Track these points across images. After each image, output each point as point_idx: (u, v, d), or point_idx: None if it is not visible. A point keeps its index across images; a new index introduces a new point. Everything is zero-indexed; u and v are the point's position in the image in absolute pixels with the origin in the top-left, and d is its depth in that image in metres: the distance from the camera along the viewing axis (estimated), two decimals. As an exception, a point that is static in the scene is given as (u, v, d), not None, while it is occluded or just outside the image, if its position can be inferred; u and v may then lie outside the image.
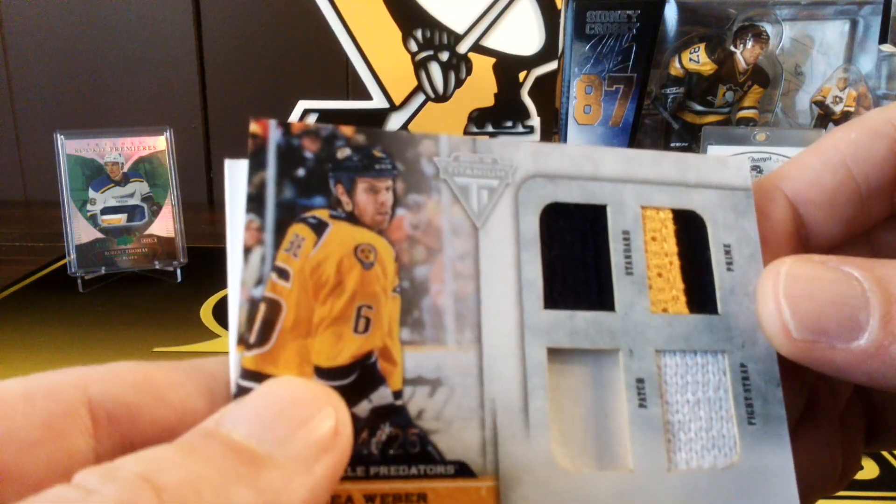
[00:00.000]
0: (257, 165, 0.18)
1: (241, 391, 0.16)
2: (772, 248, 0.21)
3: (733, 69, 0.88)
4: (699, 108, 0.91)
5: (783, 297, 0.18)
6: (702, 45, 0.88)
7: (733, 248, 0.20)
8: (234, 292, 0.17)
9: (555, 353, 0.19)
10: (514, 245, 0.19)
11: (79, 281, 0.72)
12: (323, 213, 0.18)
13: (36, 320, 0.65)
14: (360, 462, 0.17)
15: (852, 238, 0.22)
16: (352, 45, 0.81)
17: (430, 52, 0.82)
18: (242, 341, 0.17)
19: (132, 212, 0.74)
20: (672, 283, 0.20)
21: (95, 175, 0.73)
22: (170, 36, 1.04)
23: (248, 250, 0.17)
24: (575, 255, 0.20)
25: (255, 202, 0.18)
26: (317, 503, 0.15)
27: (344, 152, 0.19)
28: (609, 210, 0.20)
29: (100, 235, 0.73)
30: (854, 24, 0.90)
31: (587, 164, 0.20)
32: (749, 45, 0.87)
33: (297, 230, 0.18)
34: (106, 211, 0.73)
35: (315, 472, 0.14)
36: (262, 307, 0.17)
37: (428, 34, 0.81)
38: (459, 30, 0.82)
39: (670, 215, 0.21)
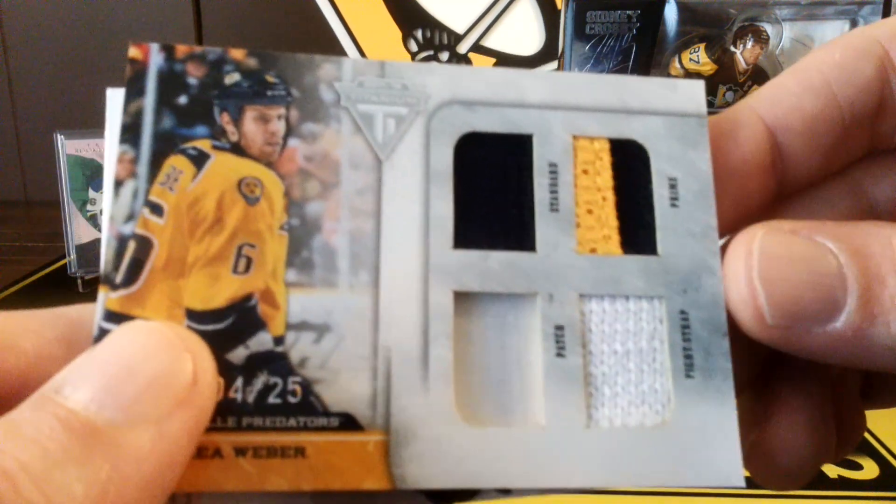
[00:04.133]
0: (134, 92, 0.17)
1: (103, 333, 0.15)
2: (740, 181, 0.19)
3: (733, 69, 0.88)
4: (699, 108, 0.91)
5: (758, 280, 0.16)
6: (702, 45, 0.88)
7: (679, 182, 0.18)
8: (104, 229, 0.16)
9: (463, 298, 0.17)
10: (423, 179, 0.17)
11: (79, 281, 0.72)
12: (204, 144, 0.17)
13: (36, 320, 0.65)
14: (232, 412, 0.15)
15: (829, 173, 0.20)
16: (352, 45, 0.81)
17: (430, 53, 0.82)
18: (108, 281, 0.16)
19: (132, 212, 0.74)
20: (604, 220, 0.18)
21: (95, 175, 0.73)
22: (170, 36, 1.04)
23: (118, 183, 0.16)
24: (493, 190, 0.18)
25: (130, 132, 0.16)
26: (173, 464, 0.13)
27: (232, 77, 0.17)
28: (535, 140, 0.18)
29: (100, 235, 0.73)
30: (854, 24, 0.90)
31: (511, 89, 0.18)
32: (749, 45, 0.87)
33: (175, 162, 0.16)
34: (106, 211, 0.73)
35: (168, 433, 0.13)
36: (132, 245, 0.16)
37: (428, 34, 0.81)
38: (459, 30, 0.82)
39: (607, 146, 0.18)
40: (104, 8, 1.03)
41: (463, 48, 0.82)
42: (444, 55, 0.82)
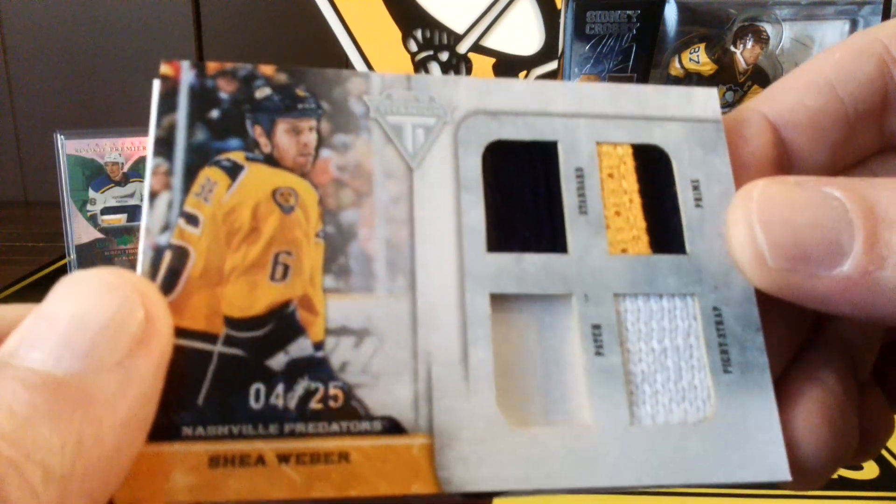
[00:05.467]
0: (167, 108, 0.17)
1: None
2: (750, 175, 0.19)
3: (733, 69, 0.88)
4: (699, 108, 0.91)
5: (756, 222, 0.16)
6: (702, 45, 0.88)
7: (702, 183, 0.19)
8: (141, 240, 0.16)
9: (500, 301, 0.17)
10: (454, 187, 0.18)
11: (79, 281, 0.72)
12: (238, 156, 0.17)
13: (36, 320, 0.65)
14: (274, 418, 0.15)
15: (841, 167, 0.20)
16: (352, 45, 0.81)
17: (430, 53, 0.82)
18: None
19: (132, 212, 0.74)
20: (632, 222, 0.18)
21: (95, 175, 0.73)
22: (170, 36, 1.04)
23: (153, 195, 0.16)
24: (522, 196, 0.18)
25: (164, 146, 0.17)
26: (144, 401, 0.14)
27: (263, 92, 0.18)
28: (560, 147, 0.18)
29: (100, 235, 0.73)
30: (854, 24, 0.90)
31: (535, 99, 0.19)
32: (749, 45, 0.87)
33: (209, 174, 0.17)
34: (106, 211, 0.73)
35: (132, 373, 0.13)
36: (168, 255, 0.16)
37: (428, 34, 0.81)
38: (459, 30, 0.82)
39: (630, 151, 0.19)
40: (104, 8, 1.03)
41: (463, 48, 0.82)
42: (444, 55, 0.82)
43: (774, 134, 0.19)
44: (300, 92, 0.18)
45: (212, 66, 0.17)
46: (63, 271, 0.73)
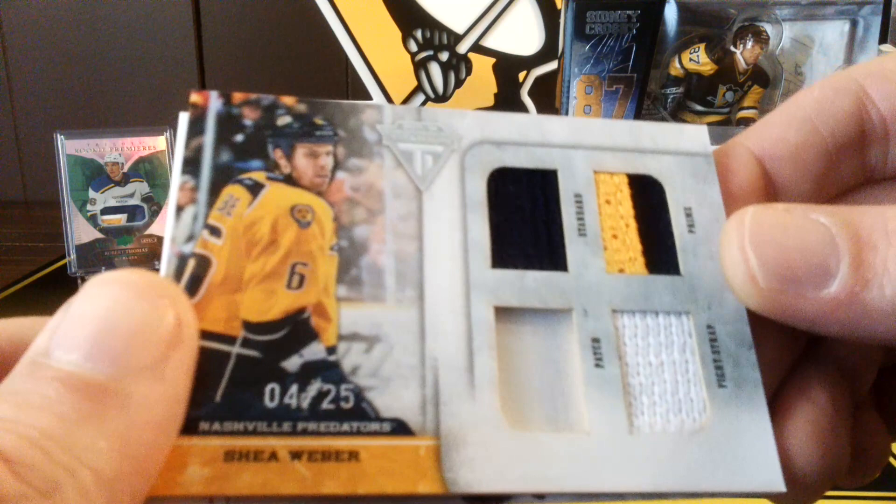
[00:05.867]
0: (195, 132, 0.18)
1: None
2: (739, 204, 0.19)
3: (733, 69, 0.88)
4: (699, 108, 0.91)
5: (748, 244, 0.17)
6: (702, 45, 0.88)
7: (694, 210, 0.20)
8: (165, 249, 0.17)
9: (503, 313, 0.18)
10: (460, 207, 0.19)
11: (79, 281, 0.72)
12: (259, 176, 0.18)
13: (36, 320, 0.65)
14: (287, 416, 0.16)
15: (825, 198, 0.21)
16: (351, 46, 0.81)
17: (430, 53, 0.82)
18: None
19: (132, 212, 0.74)
20: (629, 244, 0.19)
21: (95, 175, 0.73)
22: (170, 36, 1.04)
23: (180, 209, 0.17)
24: (524, 217, 0.19)
25: (191, 165, 0.18)
26: (178, 401, 0.14)
27: (284, 120, 0.19)
28: (560, 174, 0.20)
29: (100, 235, 0.73)
30: (854, 24, 0.90)
31: (535, 131, 0.20)
32: (749, 45, 0.87)
33: (232, 191, 0.18)
34: (106, 211, 0.73)
35: (168, 377, 0.14)
36: (191, 262, 0.17)
37: (428, 34, 0.81)
38: (459, 30, 0.82)
39: (625, 180, 0.20)
40: (104, 8, 1.03)
41: (462, 48, 0.82)
42: (444, 55, 0.82)
43: (760, 167, 0.20)
44: (318, 120, 0.19)
45: (237, 96, 0.19)
46: (63, 271, 0.73)
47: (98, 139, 0.73)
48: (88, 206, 0.73)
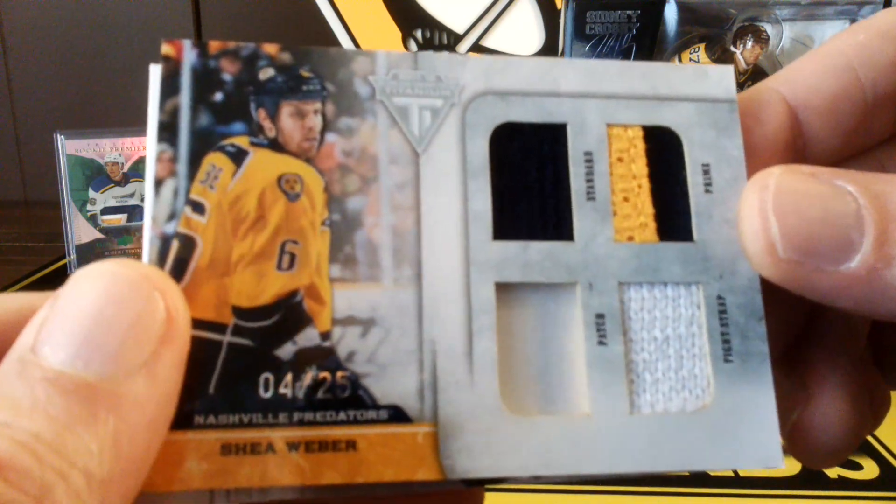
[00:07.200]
0: (170, 91, 0.17)
1: None
2: (762, 158, 0.18)
3: (733, 69, 0.88)
4: (699, 108, 0.91)
5: (772, 212, 0.16)
6: (702, 45, 0.88)
7: (712, 167, 0.18)
8: (147, 229, 0.16)
9: (505, 289, 0.17)
10: (461, 172, 0.17)
11: (79, 281, 0.72)
12: (243, 141, 0.17)
13: (36, 320, 0.65)
14: (283, 407, 0.15)
15: (851, 155, 0.20)
16: (352, 46, 0.81)
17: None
18: None
19: (132, 212, 0.74)
20: (640, 208, 0.18)
21: (95, 175, 0.73)
22: (170, 36, 1.03)
23: (159, 182, 0.16)
24: (529, 181, 0.18)
25: (168, 131, 0.16)
26: (170, 399, 0.14)
27: (267, 73, 0.17)
28: (569, 129, 0.18)
29: (100, 235, 0.73)
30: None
31: (545, 79, 0.18)
32: (749, 45, 0.87)
33: (214, 160, 0.16)
34: (106, 211, 0.73)
35: (159, 373, 0.13)
36: (175, 244, 0.16)
37: (427, 34, 0.81)
38: (459, 30, 0.82)
39: (640, 133, 0.18)
40: (104, 7, 1.03)
41: (463, 48, 0.82)
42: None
43: (791, 117, 0.19)
44: (304, 73, 0.17)
45: (214, 46, 0.17)
46: (63, 271, 0.73)
47: (98, 139, 0.73)
48: (88, 206, 0.73)
